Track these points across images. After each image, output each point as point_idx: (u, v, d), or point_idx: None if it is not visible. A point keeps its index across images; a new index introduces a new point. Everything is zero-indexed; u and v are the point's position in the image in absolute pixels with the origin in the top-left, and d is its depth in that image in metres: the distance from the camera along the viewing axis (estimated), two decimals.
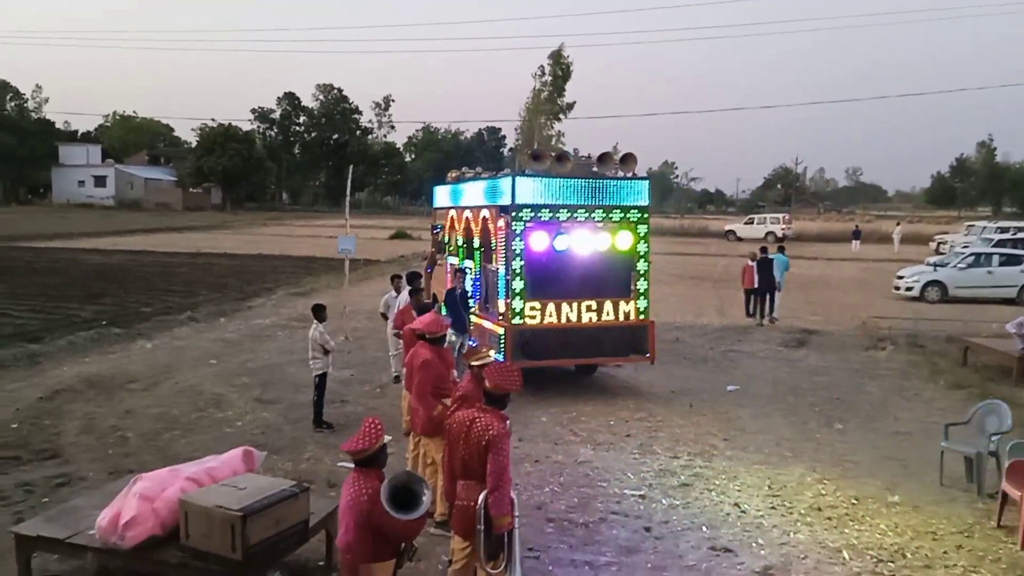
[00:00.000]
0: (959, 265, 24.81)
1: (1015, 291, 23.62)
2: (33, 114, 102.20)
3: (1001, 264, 24.50)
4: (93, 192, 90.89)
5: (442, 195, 15.70)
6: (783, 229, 52.53)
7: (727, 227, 58.00)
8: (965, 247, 31.51)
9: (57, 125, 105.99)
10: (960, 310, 21.62)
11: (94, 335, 15.81)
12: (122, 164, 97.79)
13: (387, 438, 4.67)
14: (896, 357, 15.36)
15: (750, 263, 19.78)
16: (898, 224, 52.81)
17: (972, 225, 45.80)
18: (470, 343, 12.26)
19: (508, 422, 5.28)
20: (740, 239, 53.23)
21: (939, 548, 6.91)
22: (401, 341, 9.75)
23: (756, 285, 19.62)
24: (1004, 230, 37.95)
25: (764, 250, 20.09)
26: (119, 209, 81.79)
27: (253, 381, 12.67)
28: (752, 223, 56.34)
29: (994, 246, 28.32)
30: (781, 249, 21.06)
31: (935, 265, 26.03)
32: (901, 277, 25.28)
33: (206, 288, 23.62)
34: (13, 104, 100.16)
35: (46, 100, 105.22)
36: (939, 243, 43.30)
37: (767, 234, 52.04)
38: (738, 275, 21.57)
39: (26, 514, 7.07)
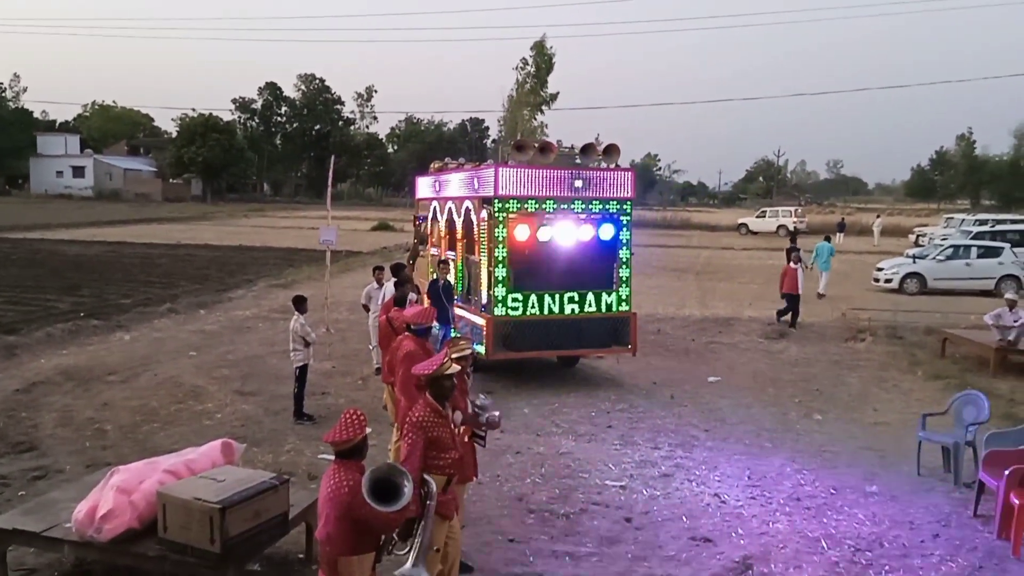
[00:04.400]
0: (938, 257, 25.06)
1: (993, 283, 23.77)
2: (11, 103, 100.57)
3: (979, 256, 24.74)
4: (72, 183, 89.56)
5: (424, 186, 15.64)
6: (795, 223, 51.85)
7: (739, 220, 57.49)
8: (944, 239, 31.77)
9: (35, 115, 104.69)
10: (939, 302, 21.79)
11: (72, 327, 15.63)
12: (101, 154, 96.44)
13: (368, 429, 4.65)
14: (875, 348, 15.49)
15: (792, 266, 17.53)
16: (878, 216, 53.05)
17: (951, 217, 46.08)
18: (452, 335, 12.24)
19: (444, 413, 5.37)
20: (753, 232, 53.25)
21: (916, 537, 6.98)
22: None
23: (800, 291, 17.52)
24: (983, 222, 38.20)
25: (794, 239, 20.52)
26: (98, 200, 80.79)
27: (233, 373, 12.59)
28: (764, 216, 56.17)
29: (972, 238, 28.56)
30: (827, 238, 21.73)
31: (914, 257, 26.27)
32: (881, 269, 25.46)
33: (186, 280, 23.43)
34: None
35: (24, 89, 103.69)
36: (918, 235, 43.62)
37: (779, 227, 51.92)
38: (722, 268, 21.63)
39: (2, 507, 7.00)
